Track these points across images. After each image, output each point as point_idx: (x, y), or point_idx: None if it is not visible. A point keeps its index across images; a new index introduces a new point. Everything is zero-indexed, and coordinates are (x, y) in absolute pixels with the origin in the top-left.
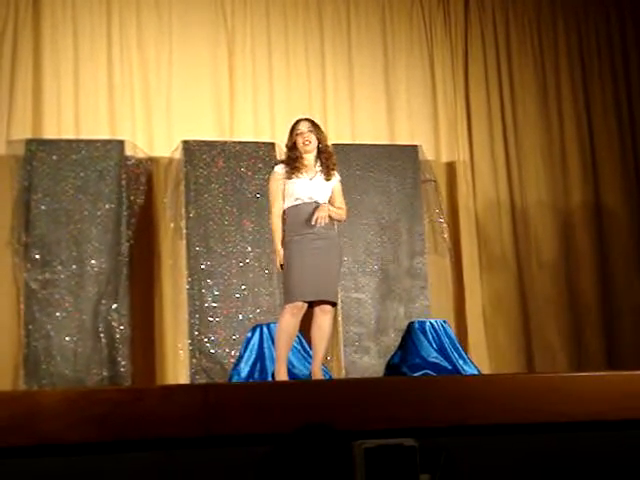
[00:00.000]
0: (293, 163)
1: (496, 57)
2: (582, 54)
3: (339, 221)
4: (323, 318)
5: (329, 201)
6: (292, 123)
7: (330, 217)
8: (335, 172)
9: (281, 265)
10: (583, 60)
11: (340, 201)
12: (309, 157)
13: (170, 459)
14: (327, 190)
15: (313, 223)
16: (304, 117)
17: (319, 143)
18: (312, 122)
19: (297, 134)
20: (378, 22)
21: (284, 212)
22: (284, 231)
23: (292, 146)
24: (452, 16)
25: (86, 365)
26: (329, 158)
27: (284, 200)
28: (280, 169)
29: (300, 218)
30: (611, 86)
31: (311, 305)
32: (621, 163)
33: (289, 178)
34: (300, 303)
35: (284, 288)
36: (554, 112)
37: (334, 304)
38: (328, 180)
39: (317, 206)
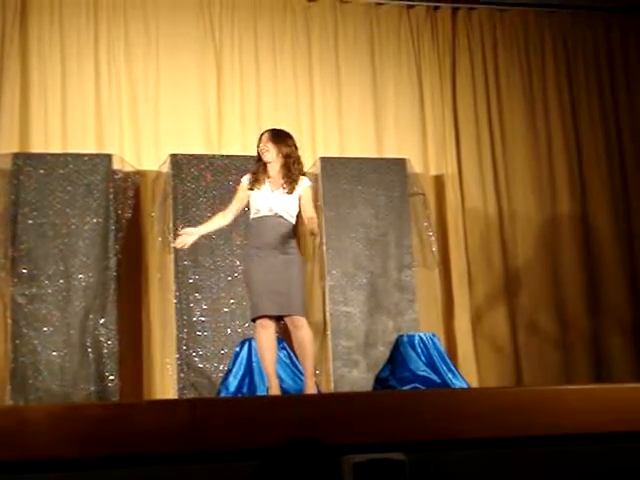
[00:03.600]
0: (257, 174)
1: (483, 71)
2: (569, 68)
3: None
4: (298, 333)
5: (298, 213)
6: None
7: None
8: (301, 180)
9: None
10: (570, 74)
11: (309, 211)
12: (273, 167)
13: (158, 475)
14: (291, 202)
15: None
16: (269, 128)
17: (280, 152)
18: (274, 132)
19: (258, 145)
20: (366, 36)
21: (249, 224)
22: (247, 244)
23: (258, 158)
24: (440, 30)
25: (73, 380)
26: (290, 168)
27: (249, 210)
28: (245, 179)
29: (260, 231)
30: (598, 100)
31: (282, 319)
32: (608, 177)
33: (251, 189)
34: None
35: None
36: (542, 126)
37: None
38: (290, 192)
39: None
